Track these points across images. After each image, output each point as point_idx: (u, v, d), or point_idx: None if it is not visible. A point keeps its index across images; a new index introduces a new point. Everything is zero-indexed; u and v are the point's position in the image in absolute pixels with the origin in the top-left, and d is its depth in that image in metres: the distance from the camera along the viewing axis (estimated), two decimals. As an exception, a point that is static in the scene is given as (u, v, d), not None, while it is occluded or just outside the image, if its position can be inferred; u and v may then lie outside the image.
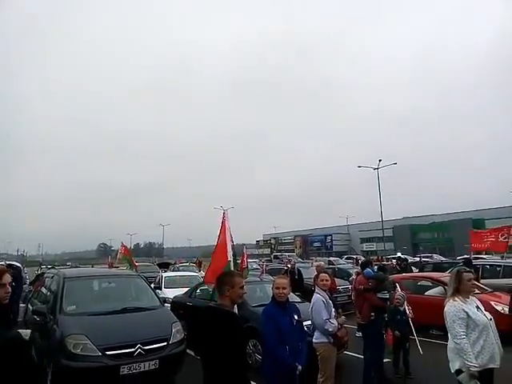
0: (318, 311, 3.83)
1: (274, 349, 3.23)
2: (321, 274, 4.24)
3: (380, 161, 38.41)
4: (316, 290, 4.04)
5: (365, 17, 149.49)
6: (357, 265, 13.06)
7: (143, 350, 4.61)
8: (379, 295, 5.70)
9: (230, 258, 5.02)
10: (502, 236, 12.56)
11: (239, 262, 6.01)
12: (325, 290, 4.08)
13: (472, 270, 3.73)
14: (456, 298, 3.44)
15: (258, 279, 9.01)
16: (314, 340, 3.93)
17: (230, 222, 5.52)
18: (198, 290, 8.53)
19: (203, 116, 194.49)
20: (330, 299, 4.04)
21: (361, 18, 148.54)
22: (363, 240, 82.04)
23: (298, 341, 3.43)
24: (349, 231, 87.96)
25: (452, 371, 3.38)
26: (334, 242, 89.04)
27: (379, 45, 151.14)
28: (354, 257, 36.30)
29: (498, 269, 10.76)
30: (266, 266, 18.50)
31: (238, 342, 2.49)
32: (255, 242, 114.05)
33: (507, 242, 12.49)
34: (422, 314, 7.77)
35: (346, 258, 36.60)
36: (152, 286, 8.09)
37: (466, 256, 17.98)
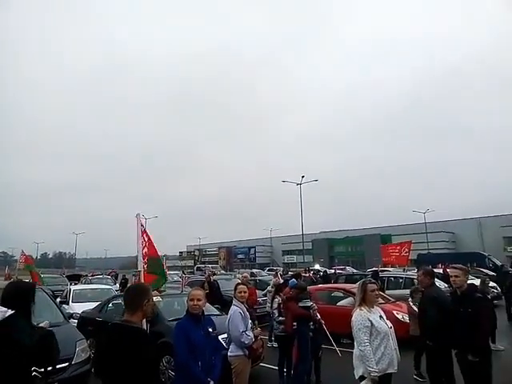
0: (235, 323, 3.79)
1: (185, 364, 3.10)
2: (239, 286, 4.22)
3: (303, 177, 40.43)
4: (234, 302, 3.99)
5: (293, 40, 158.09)
6: (277, 277, 13.35)
7: (39, 372, 4.08)
8: (300, 304, 5.85)
9: (141, 268, 4.72)
10: (404, 251, 13.93)
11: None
12: (242, 302, 4.06)
13: (376, 282, 4.02)
14: (362, 308, 3.68)
15: (177, 292, 8.70)
16: (229, 353, 3.87)
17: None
18: (111, 305, 7.93)
19: (129, 123, 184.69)
20: (248, 311, 4.02)
21: (290, 40, 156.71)
22: (285, 252, 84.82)
23: (211, 355, 3.34)
24: (272, 244, 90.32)
25: (356, 377, 3.58)
26: (258, 254, 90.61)
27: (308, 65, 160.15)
28: (275, 269, 37.31)
29: (401, 280, 11.87)
30: (187, 278, 18.04)
31: (148, 362, 2.25)
32: (178, 254, 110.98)
33: (408, 256, 13.89)
34: (335, 323, 8.20)
35: (268, 270, 37.36)
36: (58, 300, 7.31)
37: (374, 268, 19.57)
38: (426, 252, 40.69)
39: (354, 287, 9.94)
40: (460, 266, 4.49)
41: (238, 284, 4.32)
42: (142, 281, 4.54)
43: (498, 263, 24.52)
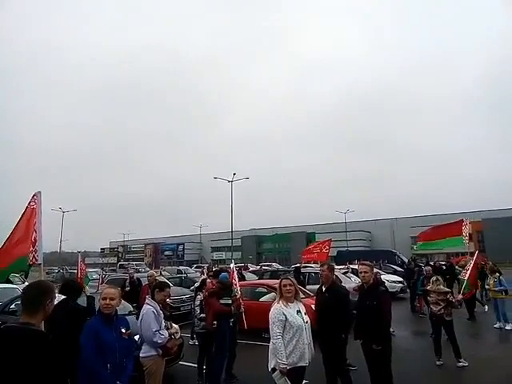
0: (148, 323, 3.65)
1: (91, 367, 2.91)
2: (166, 289, 4.08)
3: (234, 174, 40.69)
4: (146, 300, 3.85)
5: (239, 48, 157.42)
6: (203, 274, 13.28)
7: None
8: (222, 301, 5.85)
9: (41, 260, 4.05)
10: (324, 248, 14.78)
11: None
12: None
13: (298, 277, 4.19)
14: (280, 302, 3.80)
15: (93, 291, 8.17)
16: (141, 354, 3.72)
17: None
18: (13, 305, 7.17)
19: (63, 115, 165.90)
20: (162, 309, 3.90)
21: (236, 49, 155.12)
22: (214, 249, 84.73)
23: (123, 357, 3.18)
24: (201, 240, 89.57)
25: (269, 370, 3.69)
26: (186, 251, 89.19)
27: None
28: (203, 266, 37.06)
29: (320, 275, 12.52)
30: (108, 276, 17.07)
31: (52, 370, 1.91)
32: (100, 250, 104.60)
33: (328, 252, 14.76)
34: (258, 319, 8.39)
35: (196, 267, 36.93)
36: None
37: (297, 265, 20.42)
38: (345, 249, 43.63)
39: (276, 283, 10.30)
40: (368, 262, 4.87)
41: (165, 286, 4.18)
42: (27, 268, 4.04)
43: (406, 260, 27.20)
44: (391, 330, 8.94)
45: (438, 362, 6.49)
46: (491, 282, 9.57)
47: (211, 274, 8.20)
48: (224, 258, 73.15)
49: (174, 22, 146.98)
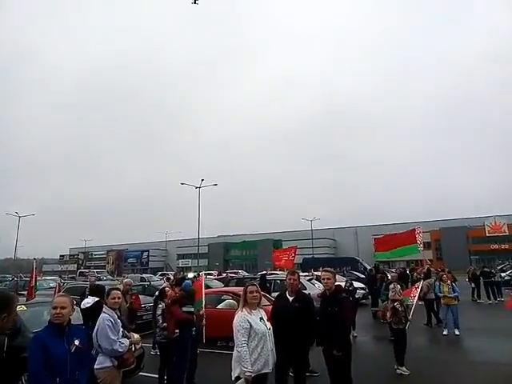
0: (105, 332, 3.49)
1: (37, 382, 2.73)
2: (112, 292, 3.92)
3: (202, 180, 40.30)
4: (104, 309, 3.68)
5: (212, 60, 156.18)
6: (168, 281, 12.99)
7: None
8: (184, 309, 5.72)
9: None
10: (290, 255, 14.88)
11: None
12: (114, 309, 3.77)
13: (264, 285, 4.16)
14: (244, 310, 3.77)
15: (48, 300, 7.72)
16: (95, 366, 3.54)
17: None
18: None
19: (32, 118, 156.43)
20: (119, 318, 3.75)
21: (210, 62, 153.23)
22: (180, 256, 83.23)
23: (75, 370, 3.00)
24: (167, 247, 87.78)
25: (232, 378, 3.63)
26: (151, 258, 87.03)
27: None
28: (167, 273, 36.33)
29: (285, 283, 12.57)
30: (67, 284, 16.28)
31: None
32: (59, 257, 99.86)
33: (293, 260, 14.88)
34: (221, 327, 8.29)
35: (161, 275, 36.06)
36: None
37: (263, 272, 20.47)
38: (310, 256, 44.29)
39: (241, 290, 10.25)
40: (330, 269, 4.94)
41: (111, 289, 4.00)
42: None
43: (368, 267, 27.99)
44: (354, 334, 9.27)
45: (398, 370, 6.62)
46: (445, 289, 9.90)
47: (173, 282, 8.04)
48: (190, 265, 72.01)
49: (153, 31, 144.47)
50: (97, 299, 5.29)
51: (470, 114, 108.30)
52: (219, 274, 27.30)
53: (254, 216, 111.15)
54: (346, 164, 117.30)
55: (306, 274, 20.94)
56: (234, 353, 3.64)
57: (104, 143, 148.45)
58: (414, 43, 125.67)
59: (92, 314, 4.61)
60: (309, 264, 29.24)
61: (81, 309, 5.33)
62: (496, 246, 56.47)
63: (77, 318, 4.22)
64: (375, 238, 11.48)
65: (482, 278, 17.08)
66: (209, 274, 29.62)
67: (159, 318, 6.18)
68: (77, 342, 3.10)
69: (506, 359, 7.07)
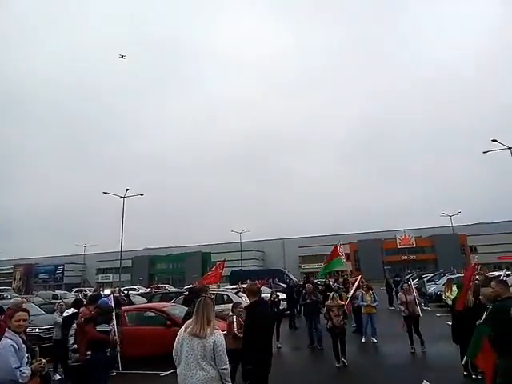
0: (5, 359, 3.10)
1: None
2: (17, 314, 3.50)
3: (127, 190, 38.38)
4: (6, 332, 3.26)
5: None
6: (85, 298, 12.02)
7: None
8: (99, 328, 5.33)
9: None
10: (219, 269, 14.85)
11: None
12: (19, 333, 3.38)
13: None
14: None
15: None
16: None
17: None
18: None
19: None
20: (25, 342, 3.36)
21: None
22: (100, 271, 77.80)
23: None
24: (85, 261, 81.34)
25: None
26: (66, 273, 79.92)
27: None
28: (84, 289, 33.83)
29: (212, 296, 12.46)
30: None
31: None
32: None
33: (221, 273, 14.85)
34: (147, 345, 7.92)
35: (76, 291, 33.26)
36: None
37: (191, 285, 20.03)
38: (238, 268, 44.49)
39: (166, 306, 9.88)
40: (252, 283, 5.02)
41: (16, 311, 3.58)
42: None
43: (294, 279, 28.96)
44: (278, 345, 9.49)
45: (337, 364, 7.51)
46: (369, 298, 10.45)
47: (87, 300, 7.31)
48: (111, 280, 67.54)
49: (96, 43, 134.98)
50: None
51: (380, 147, 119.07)
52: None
53: (183, 228, 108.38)
54: (271, 177, 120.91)
55: (235, 286, 20.96)
56: (211, 373, 3.20)
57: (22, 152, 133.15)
58: (338, 81, 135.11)
59: None
60: (237, 276, 29.28)
61: None
62: (406, 257, 62.40)
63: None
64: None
65: (394, 286, 18.66)
66: (131, 290, 28.09)
67: (71, 338, 5.70)
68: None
69: (416, 362, 7.82)
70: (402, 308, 8.90)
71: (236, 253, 63.18)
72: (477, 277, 7.78)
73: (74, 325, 5.72)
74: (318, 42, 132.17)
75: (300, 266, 67.38)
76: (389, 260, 62.10)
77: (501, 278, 10.18)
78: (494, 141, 27.72)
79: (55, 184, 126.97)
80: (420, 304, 9.28)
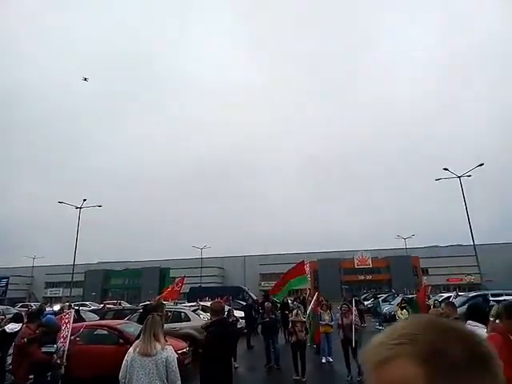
0: None
1: None
2: None
3: (84, 200, 36.81)
4: None
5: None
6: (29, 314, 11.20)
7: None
8: (44, 349, 4.96)
9: None
10: (177, 286, 14.45)
11: None
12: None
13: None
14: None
15: None
16: None
17: None
18: None
19: None
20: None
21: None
22: (49, 285, 73.16)
23: None
24: (33, 274, 76.18)
25: None
26: (11, 287, 74.21)
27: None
28: (29, 305, 31.61)
29: (169, 314, 12.06)
30: None
31: None
32: None
33: (180, 290, 14.47)
34: (97, 365, 7.49)
35: (21, 306, 30.94)
36: None
37: (147, 302, 19.29)
38: (198, 285, 43.58)
39: (119, 323, 9.42)
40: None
41: None
42: None
43: (254, 296, 28.74)
44: (235, 365, 9.29)
45: (295, 377, 7.98)
46: (326, 317, 10.49)
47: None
48: (61, 294, 63.66)
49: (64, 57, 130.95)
50: None
51: (342, 169, 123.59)
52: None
53: (141, 243, 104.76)
54: (233, 196, 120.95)
55: (193, 304, 20.44)
56: None
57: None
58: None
59: None
60: (196, 293, 28.60)
61: None
62: (363, 277, 64.12)
63: None
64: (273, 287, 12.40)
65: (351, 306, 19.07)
66: (83, 305, 26.60)
67: (9, 358, 5.28)
68: None
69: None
70: (339, 332, 8.65)
71: (196, 269, 61.96)
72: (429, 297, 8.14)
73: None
74: (280, 73, 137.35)
75: (260, 284, 67.15)
76: (346, 279, 63.47)
77: (451, 299, 10.76)
78: (445, 169, 29.69)
79: (11, 193, 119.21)
80: (356, 329, 8.25)
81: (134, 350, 3.19)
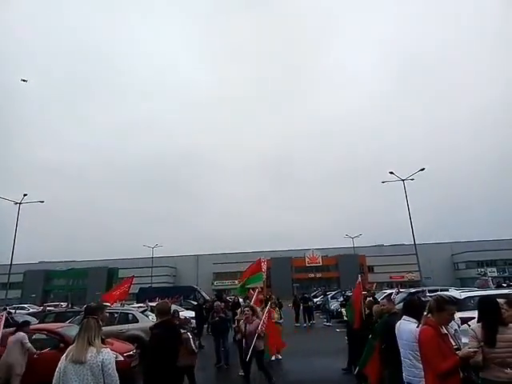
0: None
1: None
2: None
3: (25, 195, 34.26)
4: None
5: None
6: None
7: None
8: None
9: None
10: (125, 286, 13.91)
11: None
12: None
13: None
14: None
15: None
16: None
17: None
18: None
19: None
20: None
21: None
22: (-20, 287, 67.31)
23: None
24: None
25: None
26: None
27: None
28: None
29: (116, 315, 11.61)
30: None
31: None
32: None
33: (128, 290, 13.94)
34: (34, 372, 7.00)
35: None
36: None
37: (91, 304, 18.34)
38: (148, 285, 42.36)
39: (60, 326, 8.88)
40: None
41: None
42: None
43: (206, 296, 28.47)
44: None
45: (241, 373, 7.49)
46: (276, 315, 10.69)
47: None
48: (-5, 297, 58.81)
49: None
50: None
51: (291, 171, 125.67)
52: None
53: (88, 242, 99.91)
54: (185, 195, 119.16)
55: (141, 304, 19.81)
56: None
57: None
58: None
59: None
60: (145, 294, 27.73)
61: None
62: (313, 275, 66.08)
63: None
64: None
65: (302, 303, 19.60)
66: (21, 308, 24.81)
67: None
68: None
69: (318, 376, 8.19)
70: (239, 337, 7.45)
71: (147, 269, 60.18)
72: (365, 293, 8.43)
73: None
74: (238, 75, 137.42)
75: (213, 283, 66.79)
76: (297, 277, 65.07)
77: (392, 295, 11.41)
78: (391, 173, 31.44)
79: None
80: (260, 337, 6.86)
81: (67, 356, 3.01)
